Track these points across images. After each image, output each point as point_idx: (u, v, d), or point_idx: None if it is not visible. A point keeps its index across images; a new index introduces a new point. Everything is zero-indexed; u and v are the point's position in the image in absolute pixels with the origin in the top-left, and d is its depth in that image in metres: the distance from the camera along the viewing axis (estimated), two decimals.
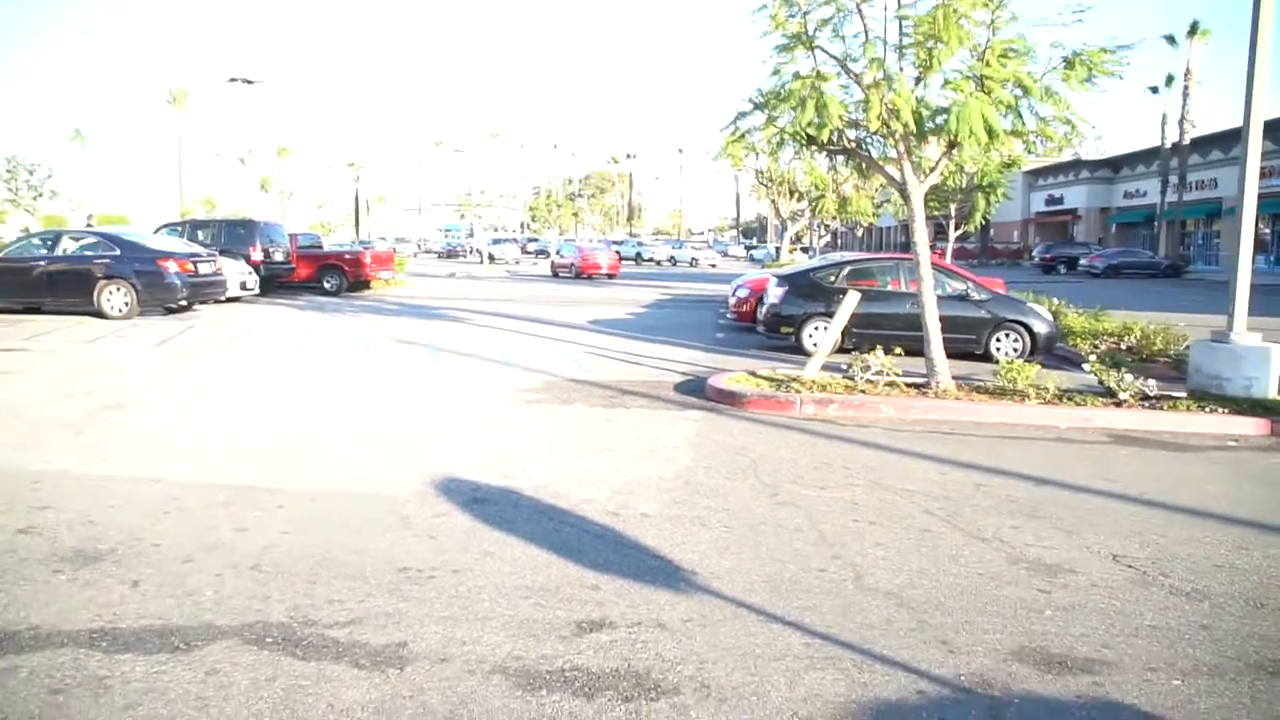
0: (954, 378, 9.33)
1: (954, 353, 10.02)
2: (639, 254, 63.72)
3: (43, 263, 16.68)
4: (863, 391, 8.95)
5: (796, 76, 8.91)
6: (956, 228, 27.36)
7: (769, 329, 13.30)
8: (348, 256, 26.00)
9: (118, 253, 16.55)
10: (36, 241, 17.93)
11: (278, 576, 4.26)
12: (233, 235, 22.47)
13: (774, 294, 13.25)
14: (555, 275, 39.74)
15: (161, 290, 16.50)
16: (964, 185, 26.13)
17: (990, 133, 8.32)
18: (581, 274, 37.50)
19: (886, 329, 11.86)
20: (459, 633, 3.71)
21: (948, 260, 23.47)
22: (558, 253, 43.20)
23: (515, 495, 5.64)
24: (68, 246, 17.19)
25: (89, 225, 30.77)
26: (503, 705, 3.14)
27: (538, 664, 3.45)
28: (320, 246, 27.54)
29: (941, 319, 9.46)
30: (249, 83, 45.67)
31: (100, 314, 16.02)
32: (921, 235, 9.47)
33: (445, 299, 23.55)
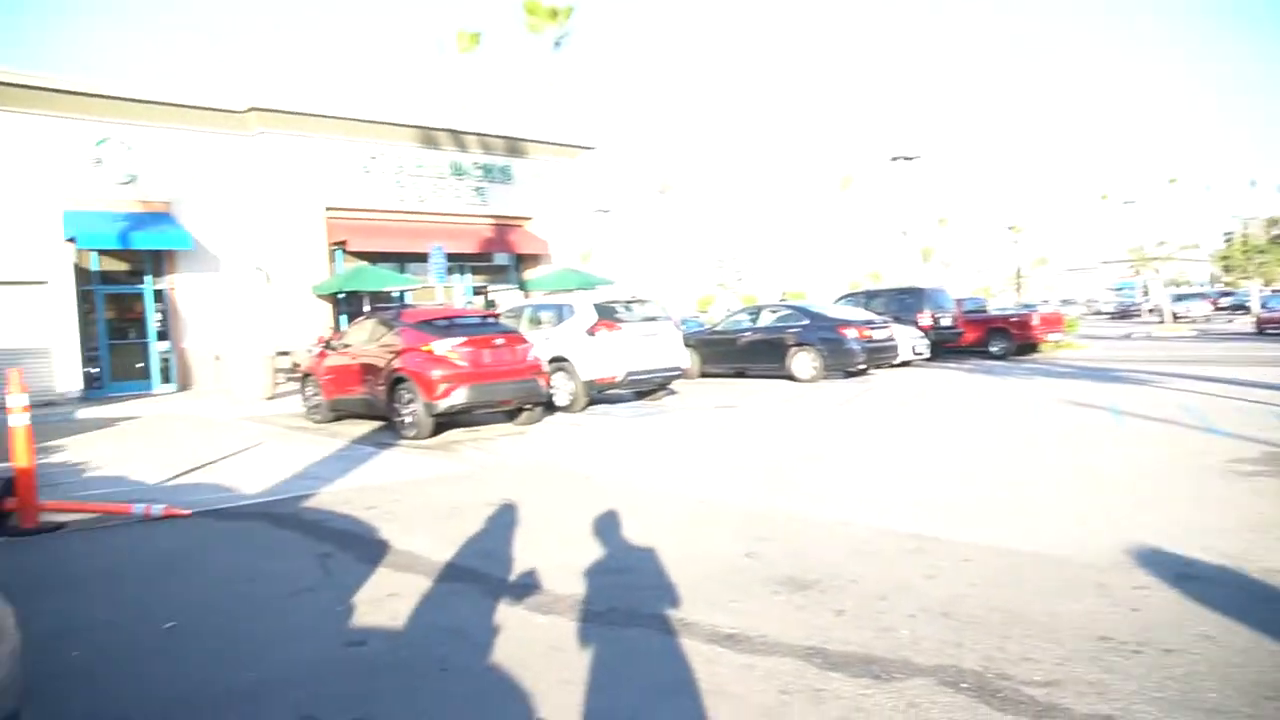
0: None
1: None
2: None
3: (747, 333, 19.42)
4: None
5: None
6: None
7: None
8: (1014, 319, 25.52)
9: (806, 322, 18.56)
10: (742, 315, 20.99)
11: (969, 626, 4.27)
12: (902, 303, 23.60)
13: None
14: (1261, 332, 34.05)
15: (843, 355, 18.00)
16: None
17: None
18: None
19: None
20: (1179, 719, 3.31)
21: None
22: (1263, 306, 37.07)
23: (1235, 575, 4.88)
24: (766, 318, 19.78)
25: (781, 300, 35.05)
26: None
27: None
28: (984, 310, 27.50)
29: None
30: (909, 159, 48.11)
31: (791, 377, 18.04)
32: None
33: (1123, 361, 21.68)
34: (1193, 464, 8.17)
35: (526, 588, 5.09)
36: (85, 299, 19.82)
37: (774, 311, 20.21)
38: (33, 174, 18.66)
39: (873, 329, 18.72)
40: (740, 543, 5.90)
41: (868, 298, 25.07)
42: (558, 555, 5.73)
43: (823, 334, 18.15)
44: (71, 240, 18.85)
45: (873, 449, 9.78)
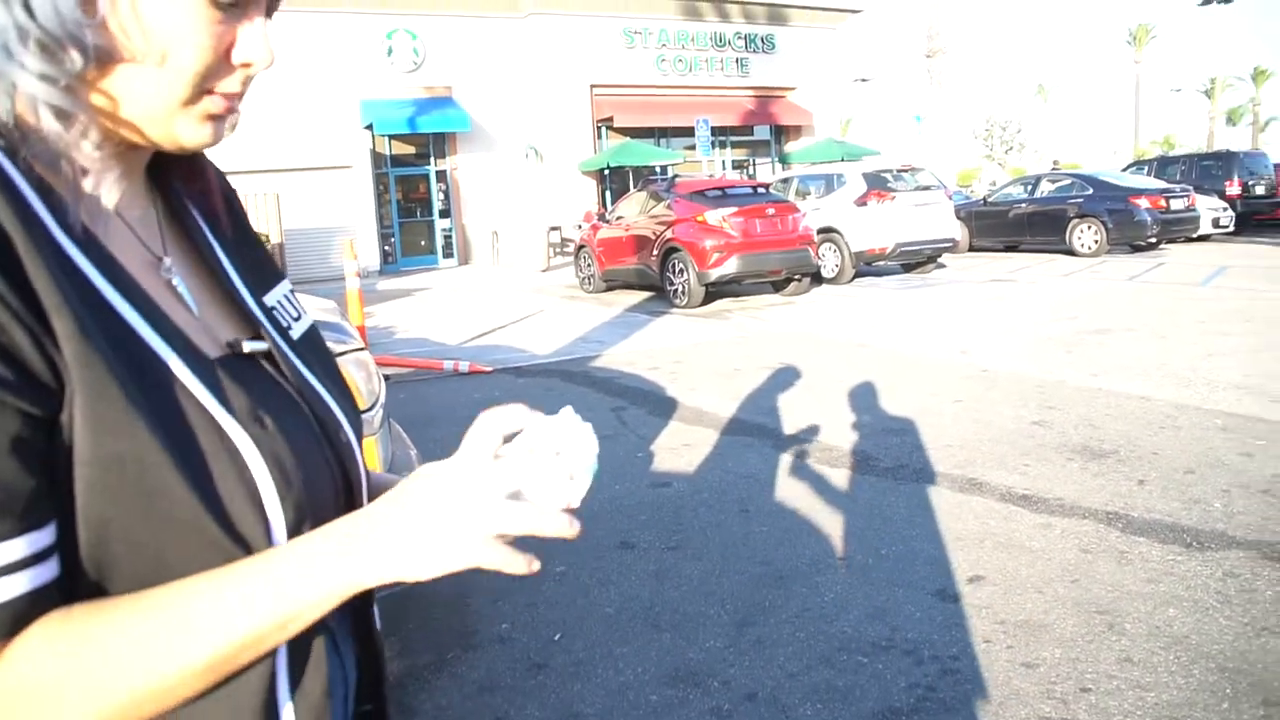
0: None
1: None
2: None
3: (1022, 205, 18.23)
4: None
5: None
6: None
7: None
8: None
9: (1090, 192, 17.13)
10: (1016, 187, 19.66)
11: None
12: (1204, 170, 21.16)
13: None
14: None
15: (1131, 228, 16.53)
16: None
17: None
18: None
19: None
20: None
21: None
22: None
23: None
24: (1044, 188, 18.44)
25: (1054, 170, 32.38)
26: None
27: None
28: None
29: None
30: (1225, 1, 41.91)
31: (1070, 251, 16.86)
32: None
33: None
34: None
35: (814, 443, 5.29)
36: (379, 181, 21.75)
37: (1053, 181, 18.81)
38: (333, 68, 20.38)
39: (1170, 198, 16.98)
40: (1027, 410, 5.78)
41: (1160, 165, 22.67)
42: (841, 415, 5.88)
43: (1109, 204, 16.71)
44: (368, 127, 20.61)
45: (1168, 326, 9.06)
